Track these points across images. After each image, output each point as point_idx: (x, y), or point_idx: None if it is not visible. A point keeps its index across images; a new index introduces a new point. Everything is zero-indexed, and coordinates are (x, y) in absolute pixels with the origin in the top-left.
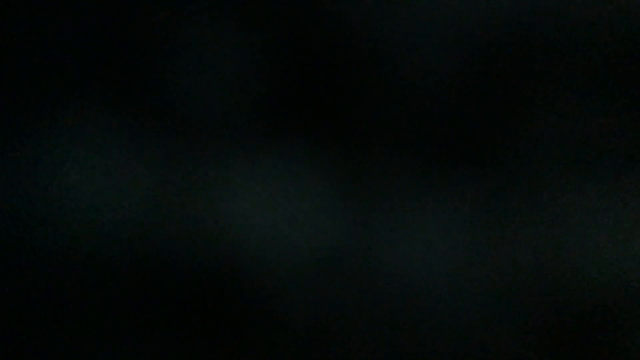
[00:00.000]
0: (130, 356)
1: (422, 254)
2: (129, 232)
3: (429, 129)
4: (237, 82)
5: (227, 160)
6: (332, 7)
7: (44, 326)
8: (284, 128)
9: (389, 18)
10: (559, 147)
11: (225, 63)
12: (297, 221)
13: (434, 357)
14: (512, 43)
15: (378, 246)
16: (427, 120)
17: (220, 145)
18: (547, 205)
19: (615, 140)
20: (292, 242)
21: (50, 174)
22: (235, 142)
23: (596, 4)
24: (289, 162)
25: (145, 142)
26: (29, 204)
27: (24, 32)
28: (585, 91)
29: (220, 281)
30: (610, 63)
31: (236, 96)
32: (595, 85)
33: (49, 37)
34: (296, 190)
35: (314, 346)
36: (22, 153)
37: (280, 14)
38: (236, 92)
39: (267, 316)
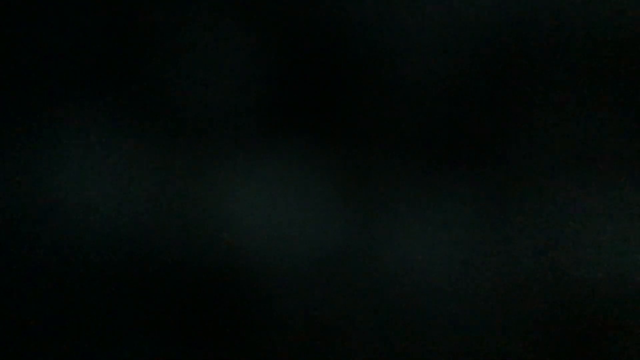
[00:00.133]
0: (130, 356)
1: (422, 254)
2: (128, 232)
3: (429, 129)
4: (237, 82)
5: (227, 161)
6: (332, 7)
7: (43, 326)
8: (284, 128)
9: (389, 18)
10: (559, 147)
11: (225, 63)
12: (297, 221)
13: (434, 357)
14: (512, 43)
15: (378, 246)
16: (427, 120)
17: (220, 145)
18: (547, 205)
19: (615, 140)
20: (292, 242)
21: (50, 174)
22: (235, 142)
23: (596, 4)
24: (289, 162)
25: (145, 142)
26: (28, 204)
27: (24, 32)
28: (585, 91)
29: (220, 281)
30: (610, 63)
31: (236, 96)
32: (595, 85)
33: (49, 37)
34: (296, 190)
35: (314, 346)
36: (22, 153)
37: (281, 14)
38: (236, 92)
39: (267, 316)
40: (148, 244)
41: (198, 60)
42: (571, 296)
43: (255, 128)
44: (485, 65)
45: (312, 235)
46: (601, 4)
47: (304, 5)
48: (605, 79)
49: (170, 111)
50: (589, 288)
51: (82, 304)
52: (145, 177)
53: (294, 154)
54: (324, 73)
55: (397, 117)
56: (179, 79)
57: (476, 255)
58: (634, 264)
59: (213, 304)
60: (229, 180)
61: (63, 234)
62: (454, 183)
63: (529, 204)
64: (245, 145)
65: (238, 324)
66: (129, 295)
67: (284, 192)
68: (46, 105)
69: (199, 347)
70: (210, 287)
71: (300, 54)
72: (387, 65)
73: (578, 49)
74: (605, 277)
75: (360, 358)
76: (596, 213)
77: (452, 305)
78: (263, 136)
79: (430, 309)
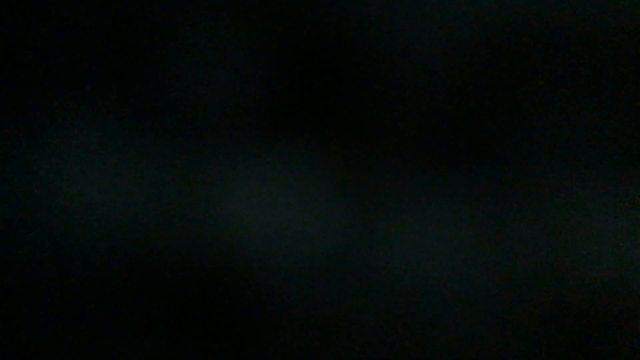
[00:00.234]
0: (130, 356)
1: (422, 254)
2: (128, 232)
3: (429, 129)
4: (237, 82)
5: (227, 161)
6: (333, 7)
7: (43, 326)
8: (284, 128)
9: (390, 18)
10: (559, 147)
11: (225, 63)
12: (297, 221)
13: (434, 357)
14: (512, 43)
15: (378, 246)
16: (427, 120)
17: (220, 145)
18: (547, 205)
19: (615, 140)
20: (292, 242)
21: (50, 174)
22: (235, 142)
23: (596, 4)
24: (289, 162)
25: (145, 142)
26: (28, 204)
27: (24, 32)
28: (584, 91)
29: (220, 281)
30: (610, 63)
31: (236, 96)
32: (595, 85)
33: (49, 37)
34: (296, 190)
35: (314, 346)
36: (22, 153)
37: (281, 14)
38: (236, 92)
39: (267, 316)
40: (148, 243)
41: (198, 60)
42: (571, 296)
43: (255, 128)
44: (485, 65)
45: (312, 235)
46: (601, 3)
47: (304, 5)
48: (605, 79)
49: (170, 111)
50: (589, 288)
51: (82, 304)
52: (145, 177)
53: (294, 154)
54: (324, 73)
55: (397, 117)
56: (179, 79)
57: (476, 255)
58: (634, 264)
59: (213, 304)
60: (229, 180)
61: (63, 234)
62: (454, 183)
63: (529, 204)
64: (245, 145)
65: (238, 323)
66: (129, 295)
67: (284, 192)
68: (46, 105)
69: (199, 347)
70: (210, 287)
71: (300, 54)
72: (387, 65)
73: (578, 48)
74: (606, 277)
75: (360, 358)
76: (596, 213)
77: (452, 305)
78: (263, 136)
79: (430, 309)
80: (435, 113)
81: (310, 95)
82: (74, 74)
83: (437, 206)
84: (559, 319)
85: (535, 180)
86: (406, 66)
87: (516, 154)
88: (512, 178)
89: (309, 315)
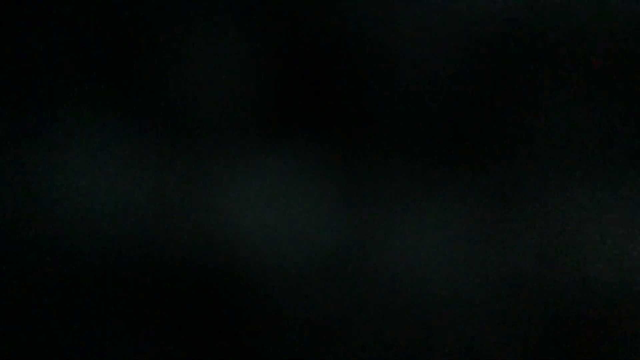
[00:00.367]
0: (131, 356)
1: (422, 254)
2: (128, 232)
3: (429, 130)
4: (237, 83)
5: (227, 161)
6: (333, 7)
7: (43, 326)
8: (284, 128)
9: (390, 19)
10: (559, 148)
11: (225, 63)
12: (297, 221)
13: (434, 357)
14: (512, 43)
15: (378, 246)
16: (428, 120)
17: (220, 145)
18: (548, 206)
19: (615, 140)
20: (292, 242)
21: (50, 174)
22: (235, 142)
23: (596, 4)
24: (289, 163)
25: (145, 142)
26: (28, 204)
27: (24, 32)
28: (585, 91)
29: (220, 281)
30: (610, 63)
31: (236, 96)
32: (595, 85)
33: (49, 37)
34: (296, 190)
35: (313, 346)
36: (22, 153)
37: (281, 14)
38: (236, 93)
39: (267, 316)
40: (148, 243)
41: (198, 60)
42: (571, 296)
43: (255, 128)
44: (485, 65)
45: (312, 234)
46: (601, 3)
47: (304, 5)
48: (605, 79)
49: (170, 111)
50: (589, 288)
51: (83, 304)
52: (146, 177)
53: (294, 154)
54: (324, 73)
55: (397, 117)
56: (179, 79)
57: (476, 255)
58: (635, 264)
59: (213, 303)
60: (229, 180)
61: (63, 234)
62: (454, 183)
63: (529, 204)
64: (245, 145)
65: (238, 323)
66: (129, 295)
67: (284, 192)
68: (46, 105)
69: (199, 347)
70: (210, 286)
71: (300, 54)
72: (387, 65)
73: (578, 48)
74: (606, 277)
75: (361, 358)
76: (597, 213)
77: (452, 305)
78: (263, 136)
79: (430, 309)
80: (435, 113)
81: (310, 95)
82: (75, 74)
83: (437, 206)
84: (559, 319)
85: (535, 180)
86: (406, 66)
87: (516, 154)
88: (512, 178)
89: (308, 315)
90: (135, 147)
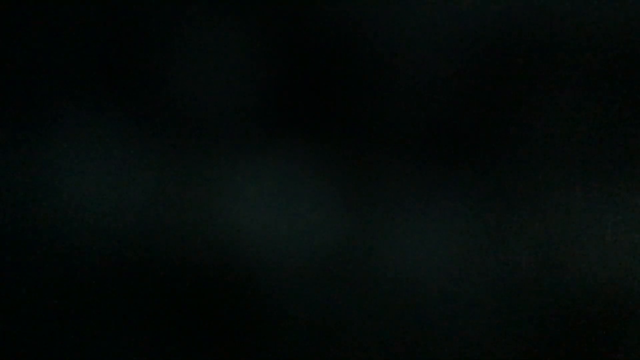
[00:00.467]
0: (130, 356)
1: (422, 254)
2: (128, 232)
3: (429, 129)
4: (237, 82)
5: (227, 161)
6: (333, 7)
7: (44, 326)
8: (284, 128)
9: (390, 18)
10: (559, 147)
11: (225, 63)
12: (297, 221)
13: (433, 357)
14: (511, 43)
15: (378, 246)
16: (427, 120)
17: (220, 145)
18: (547, 205)
19: (614, 140)
20: (292, 242)
21: (50, 174)
22: (235, 142)
23: (596, 4)
24: (290, 162)
25: (145, 142)
26: (28, 204)
27: (24, 32)
28: (585, 91)
29: (220, 281)
30: (610, 63)
31: (236, 96)
32: (595, 85)
33: (49, 37)
34: (296, 190)
35: (313, 346)
36: (22, 153)
37: (281, 14)
38: (236, 92)
39: (267, 316)
40: (148, 243)
41: (198, 60)
42: (571, 296)
43: (255, 128)
44: (485, 65)
45: (312, 234)
46: (601, 3)
47: (304, 5)
48: (605, 79)
49: (170, 111)
50: (589, 288)
51: (83, 304)
52: (146, 177)
53: (294, 154)
54: (324, 73)
55: (397, 117)
56: (179, 79)
57: (476, 255)
58: (635, 264)
59: (212, 303)
60: (229, 180)
61: (62, 234)
62: (454, 183)
63: (529, 204)
64: (245, 145)
65: (238, 323)
66: (129, 294)
67: (284, 191)
68: (46, 105)
69: (199, 347)
70: (210, 286)
71: (300, 53)
72: (387, 65)
73: (578, 48)
74: (606, 277)
75: (361, 358)
76: (597, 213)
77: (452, 305)
78: (263, 136)
79: (430, 309)
80: (435, 113)
81: (310, 95)
82: (75, 74)
83: (437, 206)
84: (558, 319)
85: (535, 181)
86: (407, 66)
87: (516, 154)
88: (512, 178)
89: (308, 315)
90: (135, 147)
